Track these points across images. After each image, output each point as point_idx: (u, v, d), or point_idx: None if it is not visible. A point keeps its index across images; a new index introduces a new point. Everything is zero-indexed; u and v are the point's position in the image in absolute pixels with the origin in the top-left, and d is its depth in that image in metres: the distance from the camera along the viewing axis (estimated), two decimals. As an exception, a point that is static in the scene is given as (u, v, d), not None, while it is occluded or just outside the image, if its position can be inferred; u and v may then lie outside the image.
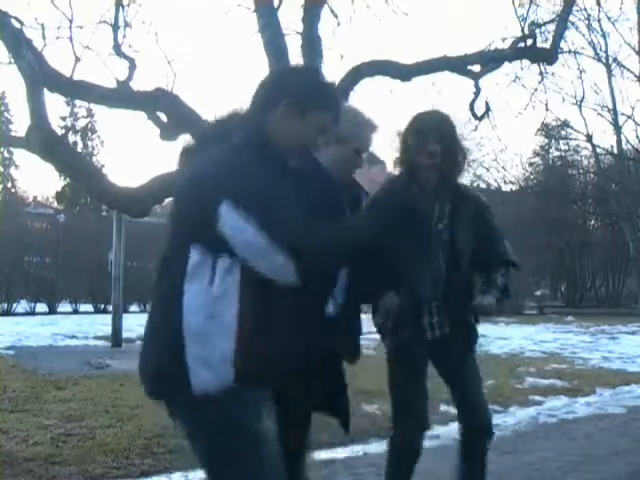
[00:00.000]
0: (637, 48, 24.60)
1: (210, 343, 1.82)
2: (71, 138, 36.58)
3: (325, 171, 2.66)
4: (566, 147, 33.57)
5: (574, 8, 9.93)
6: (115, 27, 7.57)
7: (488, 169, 27.33)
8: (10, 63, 6.73)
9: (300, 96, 2.05)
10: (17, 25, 6.71)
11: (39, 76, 6.52)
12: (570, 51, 11.52)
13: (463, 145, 3.23)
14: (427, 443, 5.43)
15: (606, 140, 41.55)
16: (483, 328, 3.40)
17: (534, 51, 8.81)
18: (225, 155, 1.92)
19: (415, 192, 3.07)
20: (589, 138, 26.66)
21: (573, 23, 12.26)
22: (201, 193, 1.88)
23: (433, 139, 3.05)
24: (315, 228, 1.88)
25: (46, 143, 6.61)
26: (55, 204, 40.22)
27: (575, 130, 27.79)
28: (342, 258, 2.07)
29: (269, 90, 2.09)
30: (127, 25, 7.76)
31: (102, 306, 21.21)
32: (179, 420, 1.98)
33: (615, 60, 23.47)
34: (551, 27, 9.11)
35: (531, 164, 34.92)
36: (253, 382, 1.84)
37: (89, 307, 22.37)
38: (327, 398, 2.73)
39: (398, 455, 3.17)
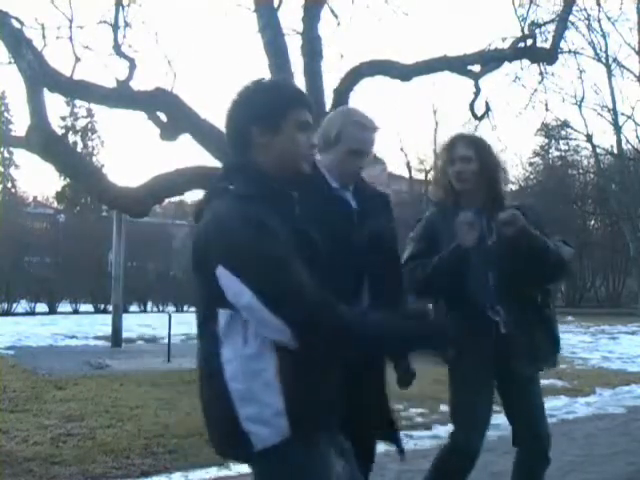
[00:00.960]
0: (637, 48, 24.60)
1: (259, 402, 1.84)
2: (71, 138, 36.51)
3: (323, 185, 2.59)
4: (566, 147, 33.58)
5: (574, 8, 9.95)
6: (115, 27, 7.58)
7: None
8: (10, 63, 6.74)
9: (262, 116, 1.95)
10: (17, 25, 6.73)
11: (39, 76, 6.53)
12: (570, 51, 11.50)
13: (501, 159, 3.23)
14: (427, 443, 5.46)
15: (606, 140, 41.58)
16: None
17: (534, 51, 8.82)
18: (220, 212, 1.88)
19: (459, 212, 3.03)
20: (589, 138, 26.67)
21: (573, 23, 12.22)
22: (200, 257, 1.87)
23: (462, 145, 3.06)
24: (314, 291, 1.79)
25: (46, 143, 6.62)
26: (55, 204, 40.19)
27: (575, 130, 27.81)
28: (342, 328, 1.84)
29: (235, 132, 2.00)
30: (127, 25, 7.78)
31: (102, 306, 21.23)
32: (254, 474, 1.99)
33: (615, 60, 23.46)
34: (551, 27, 9.13)
35: (531, 164, 34.94)
36: (311, 429, 1.86)
37: (89, 307, 22.38)
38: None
39: (446, 459, 3.08)
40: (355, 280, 2.60)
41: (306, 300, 1.78)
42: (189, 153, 40.98)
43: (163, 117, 7.37)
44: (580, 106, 24.62)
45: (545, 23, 9.38)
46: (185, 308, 24.12)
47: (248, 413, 1.84)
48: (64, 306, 22.29)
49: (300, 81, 7.50)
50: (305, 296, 1.78)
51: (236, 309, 1.82)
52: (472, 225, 2.91)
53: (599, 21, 17.79)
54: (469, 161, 3.04)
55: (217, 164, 7.24)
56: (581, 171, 32.71)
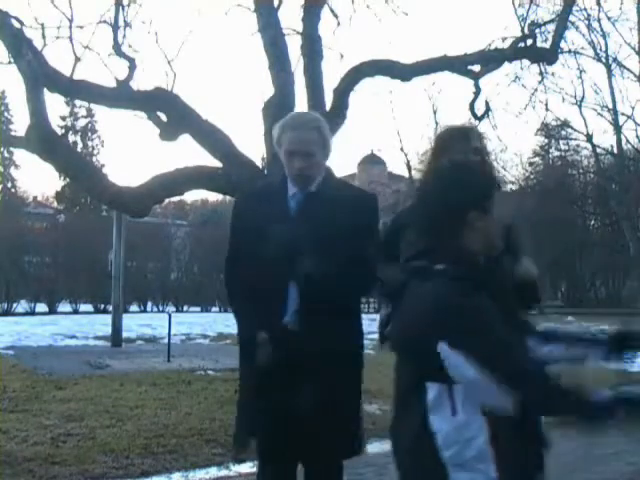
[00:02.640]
0: (637, 48, 24.61)
1: (472, 469, 1.88)
2: (71, 138, 36.51)
3: None
4: (566, 147, 33.59)
5: (574, 8, 9.94)
6: (115, 27, 7.56)
7: (488, 169, 27.33)
8: (10, 63, 6.73)
9: (481, 200, 2.00)
10: (17, 25, 6.72)
11: (39, 76, 6.52)
12: (570, 51, 11.52)
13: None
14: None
15: (606, 140, 41.60)
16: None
17: (534, 51, 8.82)
18: (439, 291, 1.92)
19: None
20: (589, 138, 26.70)
21: (573, 23, 12.23)
22: (415, 334, 1.91)
23: (476, 137, 3.06)
24: (530, 358, 1.94)
25: (46, 143, 6.62)
26: (55, 204, 40.22)
27: (575, 130, 27.85)
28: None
29: (449, 214, 2.00)
30: (127, 25, 7.76)
31: (102, 306, 21.23)
32: None
33: (615, 60, 23.48)
34: (551, 27, 9.12)
35: (531, 164, 34.93)
36: None
37: (89, 307, 22.39)
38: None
39: None
40: (279, 281, 2.65)
41: (529, 375, 1.87)
42: (189, 153, 41.00)
43: (163, 117, 7.36)
44: (580, 106, 24.67)
45: (545, 23, 9.37)
46: (185, 308, 24.16)
47: None
48: (64, 306, 22.31)
49: (300, 81, 7.51)
50: (528, 371, 1.87)
51: (445, 382, 1.87)
52: None
53: (599, 21, 17.81)
54: (478, 152, 3.05)
55: (217, 164, 7.23)
56: (581, 171, 32.74)
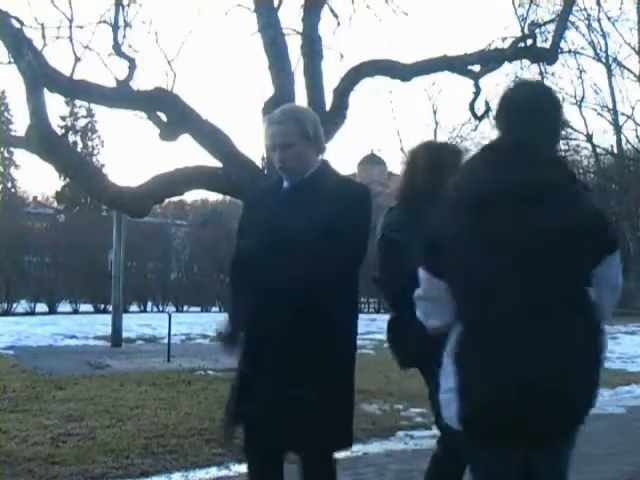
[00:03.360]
0: (637, 48, 24.64)
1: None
2: (71, 138, 36.47)
3: None
4: (566, 147, 33.55)
5: (574, 8, 9.97)
6: (115, 27, 7.57)
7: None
8: (10, 63, 6.74)
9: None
10: (17, 25, 6.73)
11: (39, 76, 6.53)
12: (570, 51, 11.61)
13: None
14: (427, 443, 5.46)
15: (606, 140, 41.61)
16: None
17: (534, 51, 8.83)
18: (596, 201, 2.25)
19: None
20: (589, 138, 26.70)
21: (573, 23, 12.29)
22: (601, 240, 2.15)
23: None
24: None
25: (46, 143, 6.62)
26: (55, 204, 40.22)
27: (575, 130, 27.80)
28: None
29: (559, 128, 2.29)
30: (127, 25, 7.77)
31: (102, 306, 21.21)
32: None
33: (615, 60, 23.51)
34: (551, 27, 9.14)
35: (531, 164, 34.84)
36: None
37: (89, 307, 22.37)
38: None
39: (438, 464, 3.06)
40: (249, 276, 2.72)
41: None
42: (189, 153, 41.00)
43: (163, 117, 7.37)
44: (580, 106, 24.73)
45: (545, 23, 9.39)
46: (185, 308, 24.14)
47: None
48: (64, 306, 22.28)
49: (300, 81, 7.52)
50: None
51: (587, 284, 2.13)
52: None
53: (599, 21, 17.92)
54: None
55: (217, 164, 7.24)
56: (581, 171, 32.69)
